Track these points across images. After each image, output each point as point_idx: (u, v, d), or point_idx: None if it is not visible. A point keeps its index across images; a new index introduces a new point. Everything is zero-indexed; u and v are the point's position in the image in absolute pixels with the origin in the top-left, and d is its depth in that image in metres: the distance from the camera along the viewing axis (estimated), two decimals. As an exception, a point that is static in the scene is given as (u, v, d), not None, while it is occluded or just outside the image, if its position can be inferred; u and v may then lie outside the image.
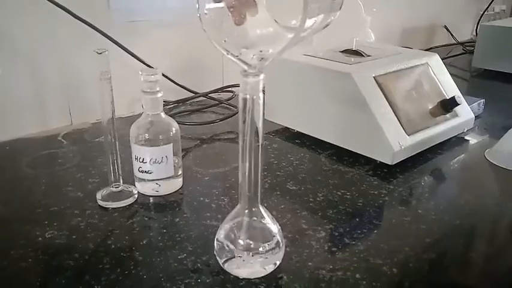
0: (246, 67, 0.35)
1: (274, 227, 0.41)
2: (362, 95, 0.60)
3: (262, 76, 0.35)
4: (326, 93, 0.65)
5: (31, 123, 0.71)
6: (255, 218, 0.41)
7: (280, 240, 0.40)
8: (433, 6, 1.43)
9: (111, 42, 0.72)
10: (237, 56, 0.34)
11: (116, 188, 0.53)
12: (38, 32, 0.68)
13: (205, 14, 0.33)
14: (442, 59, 0.74)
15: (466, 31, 1.58)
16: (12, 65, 0.68)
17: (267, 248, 0.39)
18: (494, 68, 1.13)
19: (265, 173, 0.60)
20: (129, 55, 0.75)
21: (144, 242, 0.45)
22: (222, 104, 0.85)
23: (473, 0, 1.56)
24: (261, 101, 0.36)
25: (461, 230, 0.49)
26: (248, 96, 0.35)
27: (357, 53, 0.72)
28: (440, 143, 0.67)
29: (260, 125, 0.37)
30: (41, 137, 0.70)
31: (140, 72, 0.50)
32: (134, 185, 0.54)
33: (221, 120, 0.77)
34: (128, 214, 0.50)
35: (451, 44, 1.45)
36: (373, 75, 0.63)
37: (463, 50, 1.39)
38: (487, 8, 1.48)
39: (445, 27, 1.48)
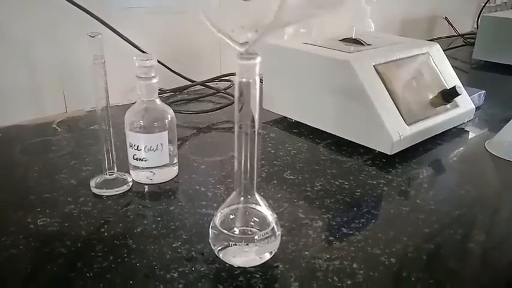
0: (238, 48, 0.33)
1: (270, 216, 0.40)
2: (361, 83, 0.59)
3: (258, 59, 0.34)
4: (325, 82, 0.64)
5: (26, 111, 0.70)
6: (250, 206, 0.40)
7: (276, 229, 0.40)
8: (434, -2, 1.41)
9: (107, 28, 0.71)
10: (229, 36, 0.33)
11: (110, 175, 0.52)
12: (32, 19, 0.67)
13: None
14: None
15: (467, 23, 1.57)
16: (6, 52, 0.66)
17: (263, 237, 0.38)
18: (495, 60, 1.12)
19: (263, 162, 0.59)
20: (126, 42, 0.74)
21: (138, 230, 0.44)
22: (220, 93, 0.84)
23: (474, -8, 1.55)
24: (257, 85, 0.35)
25: (460, 220, 0.48)
26: (244, 80, 0.34)
27: (356, 41, 0.71)
28: (440, 133, 0.67)
29: (256, 110, 0.36)
30: (35, 124, 0.69)
31: (135, 58, 0.49)
32: (129, 173, 0.53)
33: (218, 109, 0.76)
34: (122, 202, 0.49)
35: (451, 36, 1.44)
36: (373, 64, 0.62)
37: (463, 41, 1.38)
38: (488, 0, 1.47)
39: (446, 18, 1.46)
